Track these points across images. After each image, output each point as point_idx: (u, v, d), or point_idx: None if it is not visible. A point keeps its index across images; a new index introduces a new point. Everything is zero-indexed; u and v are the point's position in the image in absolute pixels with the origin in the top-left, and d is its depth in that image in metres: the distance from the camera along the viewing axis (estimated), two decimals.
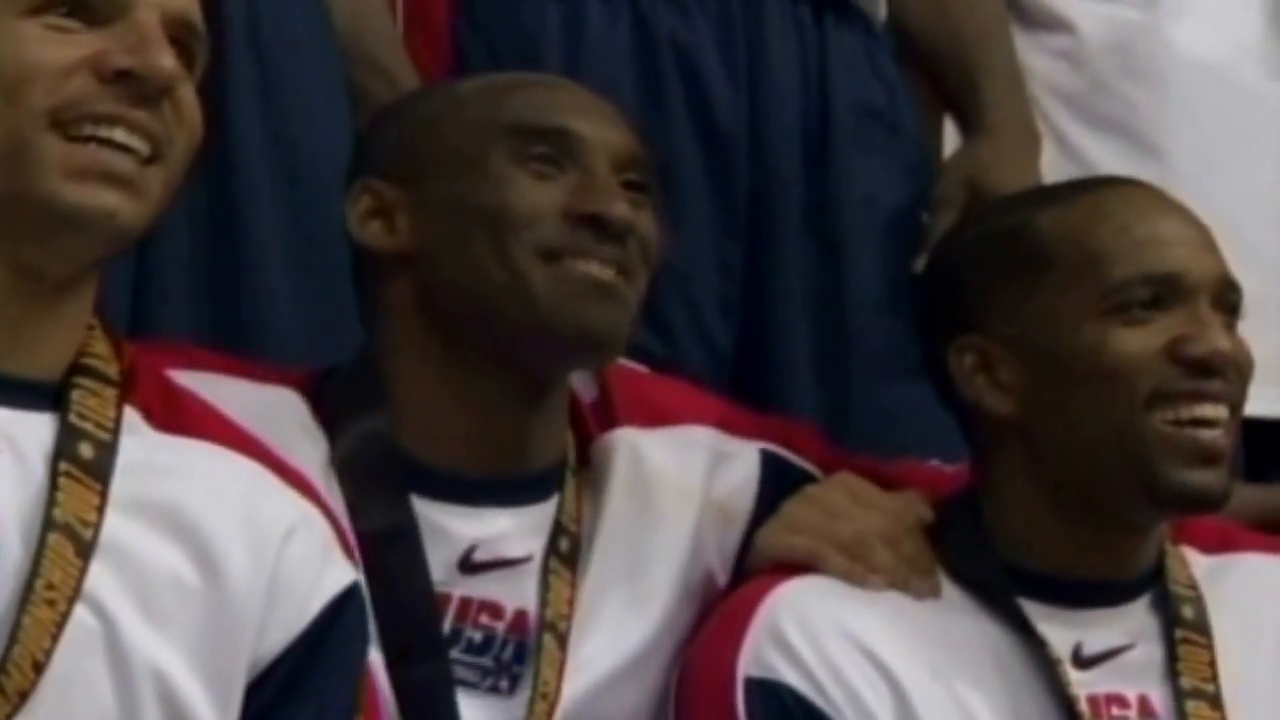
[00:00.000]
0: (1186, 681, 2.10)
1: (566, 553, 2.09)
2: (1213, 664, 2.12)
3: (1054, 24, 2.86)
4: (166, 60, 1.75)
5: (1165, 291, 2.01)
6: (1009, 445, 2.10)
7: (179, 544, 1.81)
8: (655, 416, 2.22)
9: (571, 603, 2.09)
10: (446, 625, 2.04)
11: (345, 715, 1.88)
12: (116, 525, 1.77)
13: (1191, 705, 2.08)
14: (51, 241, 1.75)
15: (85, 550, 1.75)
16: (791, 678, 2.02)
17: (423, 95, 2.32)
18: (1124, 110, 2.84)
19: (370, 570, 1.97)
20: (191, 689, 1.79)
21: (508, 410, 2.07)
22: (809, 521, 2.12)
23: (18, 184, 1.73)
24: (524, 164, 2.03)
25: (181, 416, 1.89)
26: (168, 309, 2.28)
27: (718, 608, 2.11)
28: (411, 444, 2.05)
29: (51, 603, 1.73)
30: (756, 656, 2.03)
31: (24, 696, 1.70)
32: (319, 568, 1.88)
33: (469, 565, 2.06)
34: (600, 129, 2.07)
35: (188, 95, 1.78)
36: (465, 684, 2.02)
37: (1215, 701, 2.10)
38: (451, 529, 2.05)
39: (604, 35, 2.54)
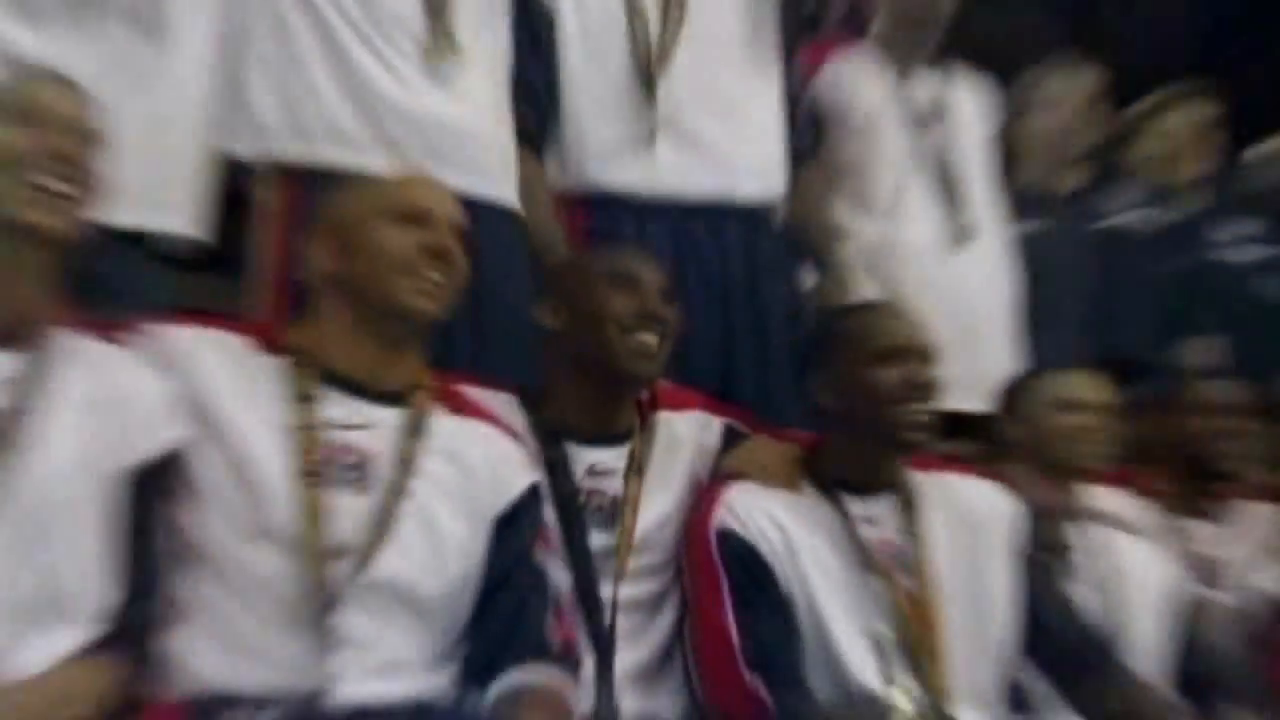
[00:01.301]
0: (918, 531, 2.83)
1: (637, 468, 2.94)
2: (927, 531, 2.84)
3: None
4: (456, 246, 2.60)
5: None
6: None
7: (458, 469, 2.62)
8: (676, 405, 3.07)
9: (640, 490, 2.92)
10: (582, 500, 2.89)
11: (534, 539, 2.68)
12: (426, 459, 2.59)
13: (922, 551, 2.82)
14: (399, 324, 2.59)
15: (413, 472, 2.55)
16: (740, 530, 2.83)
17: (574, 262, 3.15)
18: None
19: (551, 481, 2.84)
20: (464, 534, 2.61)
21: (608, 409, 2.93)
22: (746, 457, 3.02)
23: (382, 300, 2.56)
24: (617, 291, 2.89)
25: (460, 405, 2.70)
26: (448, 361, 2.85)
27: (702, 495, 2.95)
28: (563, 421, 2.92)
29: (403, 494, 2.53)
30: (721, 519, 2.85)
31: (375, 554, 2.45)
32: (518, 470, 2.71)
33: (593, 472, 2.95)
34: (654, 275, 2.93)
35: (462, 260, 2.61)
36: (591, 526, 2.89)
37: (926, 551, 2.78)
38: (584, 456, 2.91)
39: (648, 235, 3.41)
